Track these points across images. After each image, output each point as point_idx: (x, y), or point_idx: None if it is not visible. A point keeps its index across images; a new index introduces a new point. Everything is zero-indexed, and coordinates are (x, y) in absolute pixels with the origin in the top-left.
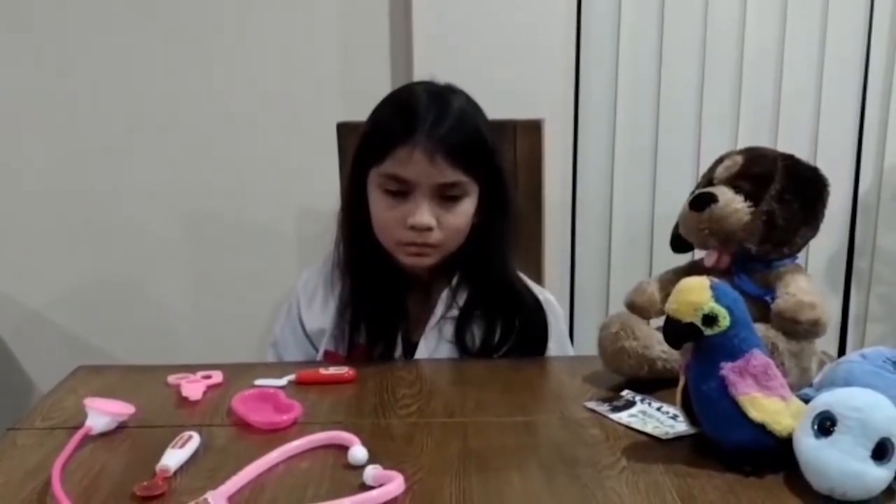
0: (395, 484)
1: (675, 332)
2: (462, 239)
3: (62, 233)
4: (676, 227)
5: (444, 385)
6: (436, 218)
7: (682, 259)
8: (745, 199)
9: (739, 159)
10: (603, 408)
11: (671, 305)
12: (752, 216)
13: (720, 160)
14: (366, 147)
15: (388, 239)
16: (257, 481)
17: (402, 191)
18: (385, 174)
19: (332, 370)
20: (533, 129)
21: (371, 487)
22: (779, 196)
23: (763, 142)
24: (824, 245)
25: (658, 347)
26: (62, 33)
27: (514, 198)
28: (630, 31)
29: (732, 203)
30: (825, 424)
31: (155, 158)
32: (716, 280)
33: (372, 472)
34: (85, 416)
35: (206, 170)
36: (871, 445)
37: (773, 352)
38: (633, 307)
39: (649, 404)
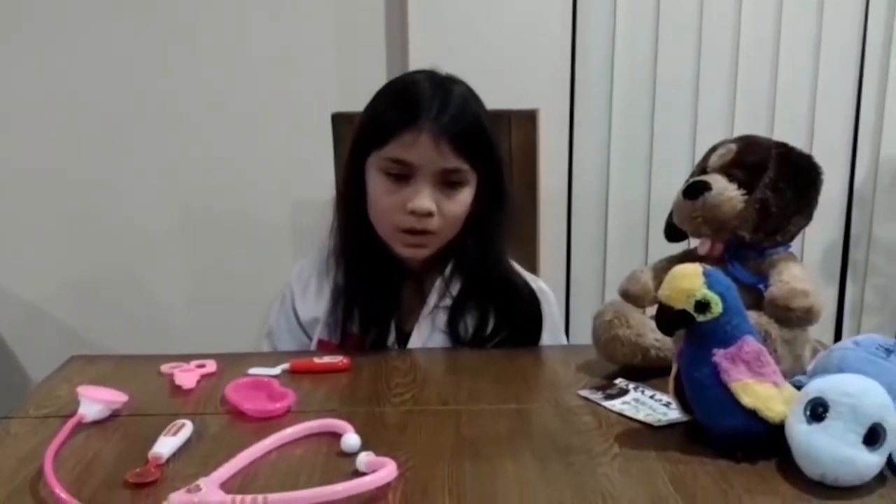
0: (388, 470)
1: (668, 318)
2: (458, 228)
3: (58, 226)
4: (670, 216)
5: (438, 374)
6: (436, 204)
7: (678, 248)
8: (739, 188)
9: (733, 147)
10: (596, 396)
11: (664, 292)
12: (745, 204)
13: (714, 148)
14: (366, 132)
15: (387, 225)
16: (250, 468)
17: (403, 174)
18: (388, 157)
19: (327, 359)
20: (528, 120)
21: (363, 474)
22: (772, 184)
23: (759, 132)
24: (820, 236)
25: (651, 336)
26: (60, 28)
27: (511, 189)
28: (625, 21)
29: (726, 191)
30: (817, 410)
31: (150, 151)
32: (708, 267)
33: (365, 459)
34: (78, 404)
35: (201, 161)
36: (863, 431)
37: (765, 339)
38: (626, 296)
39: (642, 392)
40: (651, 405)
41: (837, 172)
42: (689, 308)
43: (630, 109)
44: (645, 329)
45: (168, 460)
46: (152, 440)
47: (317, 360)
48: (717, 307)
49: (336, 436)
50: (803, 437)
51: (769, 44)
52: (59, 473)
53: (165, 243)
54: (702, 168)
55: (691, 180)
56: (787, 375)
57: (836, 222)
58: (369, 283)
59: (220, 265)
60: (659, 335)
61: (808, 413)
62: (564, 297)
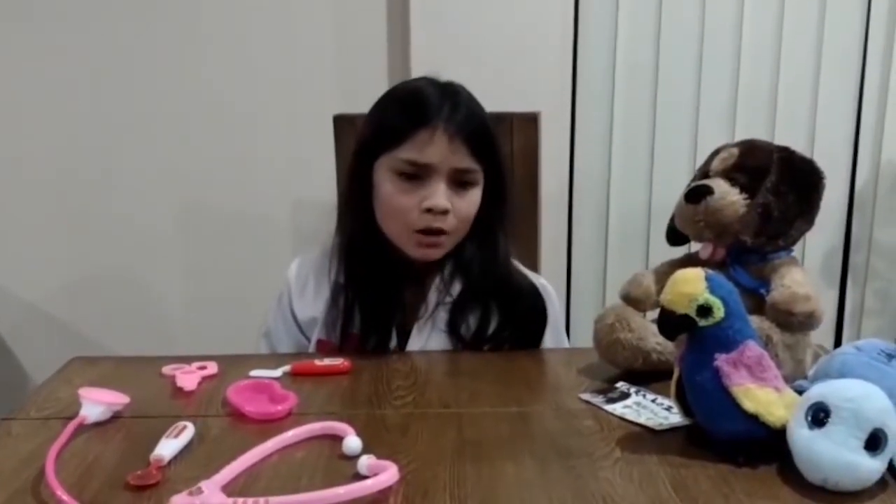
0: (389, 473)
1: (670, 323)
2: (468, 229)
3: (58, 225)
4: (672, 220)
5: (439, 376)
6: (450, 203)
7: (679, 251)
8: (741, 192)
9: (735, 151)
10: (597, 399)
11: (666, 296)
12: (747, 208)
13: (716, 152)
14: (373, 137)
15: (400, 226)
16: (251, 471)
17: (417, 174)
18: (402, 159)
19: (328, 361)
20: (530, 122)
21: (365, 477)
22: (774, 188)
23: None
24: (821, 239)
25: (653, 339)
26: (58, 25)
27: (512, 191)
28: (627, 24)
29: (728, 195)
30: (819, 415)
31: (151, 151)
32: (710, 271)
33: (366, 462)
34: (79, 406)
35: (202, 162)
36: (864, 436)
37: (767, 344)
38: (628, 299)
39: (644, 396)
40: (652, 409)
41: (838, 176)
42: (691, 312)
43: (631, 113)
44: (646, 333)
45: (169, 462)
46: (154, 442)
47: (318, 362)
48: (719, 312)
49: (337, 438)
50: (805, 441)
51: (771, 48)
52: (61, 475)
53: (166, 243)
54: (704, 172)
55: (693, 184)
56: (789, 380)
57: (837, 226)
58: (371, 284)
59: (220, 265)
60: (660, 339)
61: (809, 418)
62: (565, 300)
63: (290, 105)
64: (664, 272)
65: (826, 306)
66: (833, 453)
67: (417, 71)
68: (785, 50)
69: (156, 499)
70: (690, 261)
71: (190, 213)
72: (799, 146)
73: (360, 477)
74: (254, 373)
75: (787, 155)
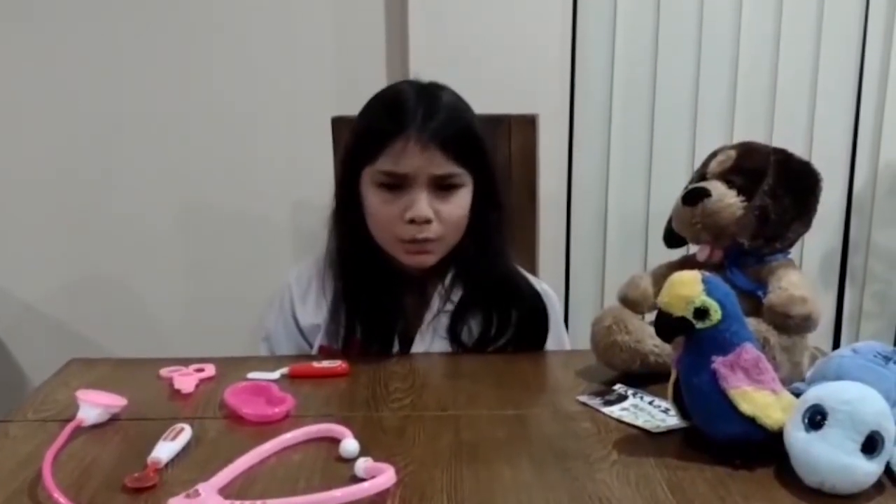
0: (386, 476)
1: (667, 325)
2: (461, 232)
3: (56, 226)
4: (670, 222)
5: (437, 379)
6: (434, 210)
7: (676, 254)
8: (738, 194)
9: (732, 154)
10: (595, 401)
11: (663, 299)
12: (744, 211)
13: (713, 155)
14: (356, 148)
15: (388, 236)
16: (249, 473)
17: (398, 184)
18: (380, 171)
19: (325, 364)
20: (528, 125)
21: (362, 479)
22: (771, 191)
23: (758, 138)
24: (819, 242)
25: (650, 342)
26: (60, 28)
27: (506, 192)
28: (625, 26)
29: (725, 198)
30: (816, 418)
31: (150, 152)
32: (708, 274)
33: (363, 465)
34: (77, 408)
35: (201, 163)
36: (861, 439)
37: (764, 346)
38: (626, 301)
39: (641, 398)
40: (650, 411)
41: (836, 179)
42: (689, 315)
43: (629, 115)
44: (644, 335)
45: (167, 465)
46: (151, 444)
47: (316, 364)
48: (716, 314)
49: (335, 441)
50: (801, 444)
51: (769, 50)
52: (58, 477)
53: (165, 244)
54: (701, 174)
55: (690, 186)
56: (786, 382)
57: (835, 228)
58: (370, 293)
59: (220, 266)
60: (658, 341)
61: (806, 420)
62: (563, 302)
63: (289, 106)
64: (661, 274)
65: (824, 309)
66: (830, 456)
67: (416, 72)
68: (783, 52)
69: (153, 501)
70: (688, 263)
71: (189, 213)
72: (797, 148)
73: (357, 479)
74: (251, 375)
75: (784, 157)
